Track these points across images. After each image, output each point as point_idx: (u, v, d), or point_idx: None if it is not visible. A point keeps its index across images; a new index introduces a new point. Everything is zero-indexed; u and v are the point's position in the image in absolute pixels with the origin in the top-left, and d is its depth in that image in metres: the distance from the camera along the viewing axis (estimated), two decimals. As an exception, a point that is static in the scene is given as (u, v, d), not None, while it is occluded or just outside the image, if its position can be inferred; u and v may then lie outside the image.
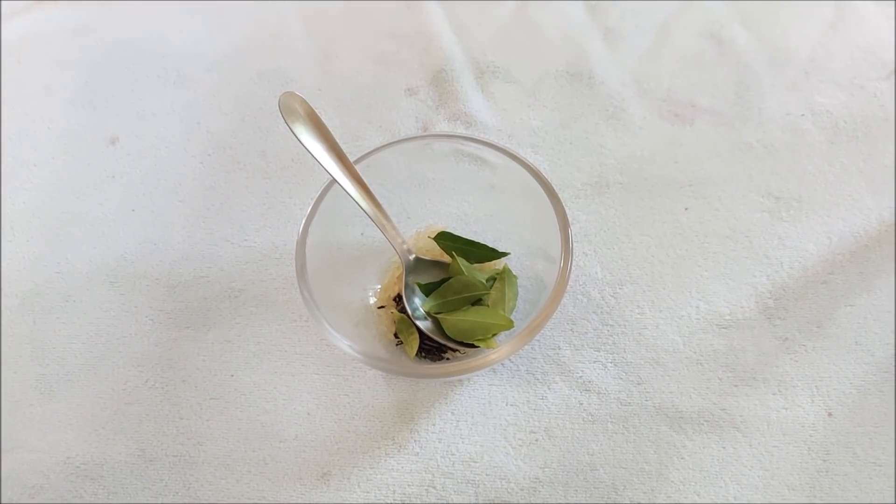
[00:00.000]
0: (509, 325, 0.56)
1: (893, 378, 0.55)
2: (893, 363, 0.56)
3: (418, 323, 0.56)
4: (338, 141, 0.54)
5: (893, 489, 0.52)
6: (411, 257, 0.58)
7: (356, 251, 0.60)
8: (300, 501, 0.54)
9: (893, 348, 0.56)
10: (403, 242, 0.58)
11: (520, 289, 0.58)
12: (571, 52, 0.73)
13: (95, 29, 0.79)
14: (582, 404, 0.56)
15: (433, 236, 0.60)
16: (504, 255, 0.59)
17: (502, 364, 0.58)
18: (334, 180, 0.55)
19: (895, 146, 0.65)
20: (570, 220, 0.54)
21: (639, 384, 0.56)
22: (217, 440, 0.56)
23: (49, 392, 0.59)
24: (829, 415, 0.54)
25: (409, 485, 0.54)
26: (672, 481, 0.53)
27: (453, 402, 0.56)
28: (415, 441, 0.55)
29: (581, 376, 0.57)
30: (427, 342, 0.57)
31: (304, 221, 0.55)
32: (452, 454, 0.55)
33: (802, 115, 0.67)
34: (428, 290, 0.57)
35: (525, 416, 0.56)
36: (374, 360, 0.51)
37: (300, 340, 0.60)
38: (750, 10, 0.75)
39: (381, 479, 0.54)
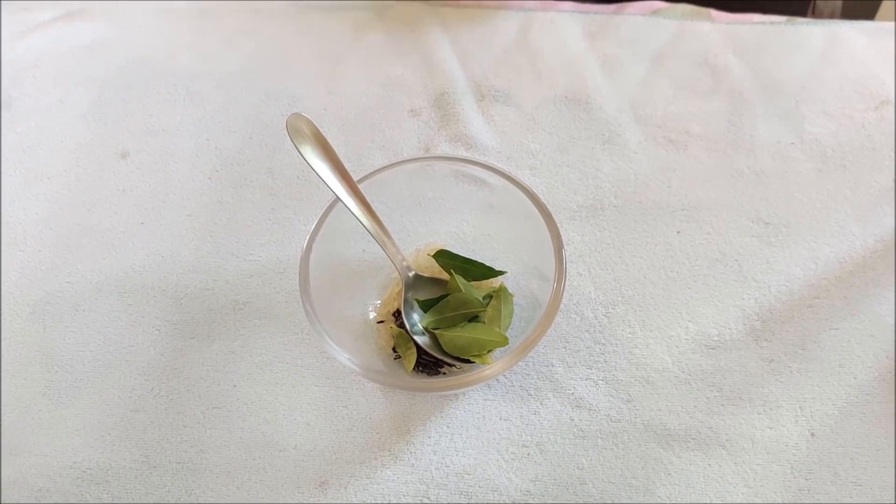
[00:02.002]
0: (504, 341, 0.57)
1: (875, 400, 0.57)
2: (875, 386, 0.57)
3: (416, 338, 0.58)
4: (342, 160, 0.56)
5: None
6: (411, 274, 0.60)
7: (357, 267, 0.62)
8: (298, 509, 0.55)
9: (875, 371, 0.58)
10: (403, 259, 0.59)
11: (515, 307, 0.60)
12: (570, 79, 0.75)
13: (108, 46, 0.81)
14: (573, 420, 0.57)
15: (432, 254, 0.61)
16: (500, 273, 0.61)
17: (497, 379, 0.59)
18: (338, 198, 0.56)
19: (884, 175, 0.67)
20: (564, 240, 0.56)
21: (629, 402, 0.58)
22: (219, 448, 0.58)
23: (57, 398, 0.60)
24: (812, 435, 0.56)
25: (403, 495, 0.55)
26: (659, 497, 0.54)
27: (448, 416, 0.58)
28: (410, 453, 0.57)
29: (573, 393, 0.58)
30: (424, 357, 0.58)
31: (307, 237, 0.57)
32: (447, 466, 0.56)
33: (792, 143, 0.69)
34: (426, 306, 0.59)
35: (518, 431, 0.57)
36: (372, 374, 0.53)
37: (301, 353, 0.61)
38: (744, 41, 0.77)
39: (376, 489, 0.55)
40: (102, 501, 0.56)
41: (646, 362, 0.59)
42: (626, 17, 0.80)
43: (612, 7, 0.81)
